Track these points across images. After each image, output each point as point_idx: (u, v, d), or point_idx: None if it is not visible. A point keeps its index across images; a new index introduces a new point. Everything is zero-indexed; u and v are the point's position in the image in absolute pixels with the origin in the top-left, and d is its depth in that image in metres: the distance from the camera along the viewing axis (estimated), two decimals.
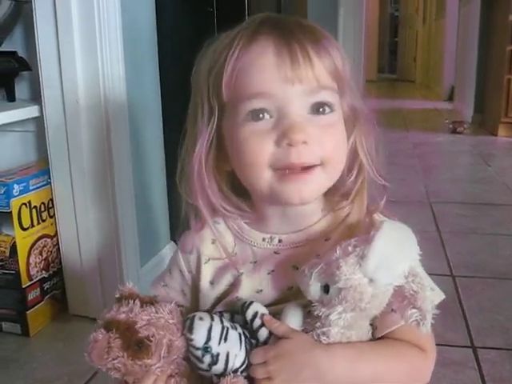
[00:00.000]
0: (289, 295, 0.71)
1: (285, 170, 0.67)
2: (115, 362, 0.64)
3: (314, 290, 0.65)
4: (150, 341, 0.64)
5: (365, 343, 0.67)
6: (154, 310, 0.68)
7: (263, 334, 0.67)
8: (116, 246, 1.43)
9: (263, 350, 0.66)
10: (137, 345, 0.64)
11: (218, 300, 0.76)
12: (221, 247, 0.76)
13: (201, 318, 0.66)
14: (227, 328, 0.66)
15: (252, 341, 0.68)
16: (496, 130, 4.20)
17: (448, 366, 1.26)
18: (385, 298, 0.65)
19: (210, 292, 0.76)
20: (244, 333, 0.68)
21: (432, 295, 0.66)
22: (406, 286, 0.64)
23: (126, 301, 0.68)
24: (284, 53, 0.65)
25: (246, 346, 0.67)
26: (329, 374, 0.64)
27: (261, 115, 0.67)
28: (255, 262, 0.75)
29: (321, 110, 0.68)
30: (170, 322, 0.67)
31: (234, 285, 0.75)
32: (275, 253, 0.75)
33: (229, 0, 1.60)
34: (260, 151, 0.67)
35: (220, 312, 0.72)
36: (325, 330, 0.64)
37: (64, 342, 1.38)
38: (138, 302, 0.68)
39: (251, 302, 0.68)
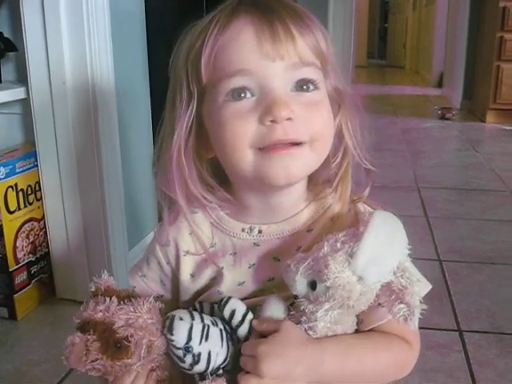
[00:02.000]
0: (270, 286, 0.70)
1: (269, 147, 0.64)
2: (94, 363, 0.63)
3: (300, 285, 0.64)
4: (129, 341, 0.63)
5: (353, 336, 0.66)
6: (131, 308, 0.65)
7: (243, 331, 0.66)
8: (103, 230, 1.43)
9: (253, 345, 0.63)
10: (115, 346, 0.63)
11: (199, 293, 0.74)
12: (198, 241, 0.74)
13: (181, 318, 0.65)
14: (208, 326, 0.65)
15: (233, 336, 0.67)
16: (484, 117, 4.22)
17: (434, 348, 1.27)
18: (372, 295, 0.64)
19: (190, 285, 0.74)
20: (225, 328, 0.67)
21: (420, 288, 0.65)
22: (394, 281, 0.63)
23: (103, 297, 0.66)
24: (264, 29, 0.63)
25: (227, 343, 0.66)
26: (320, 370, 0.63)
27: (242, 94, 0.64)
28: (235, 254, 0.73)
29: (304, 87, 0.66)
30: (149, 321, 0.65)
31: (216, 278, 0.73)
32: (255, 244, 0.73)
33: None
34: (242, 130, 0.64)
35: (200, 302, 0.71)
36: (311, 324, 0.63)
37: (51, 326, 1.38)
38: (114, 299, 0.66)
39: (228, 299, 0.66)
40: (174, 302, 0.78)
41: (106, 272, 0.71)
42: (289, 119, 0.63)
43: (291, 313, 0.66)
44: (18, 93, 1.36)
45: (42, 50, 1.31)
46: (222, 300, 0.66)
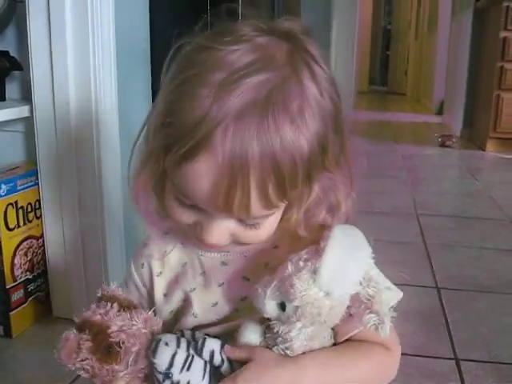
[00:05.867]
0: (243, 306, 0.70)
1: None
2: (83, 363, 0.65)
3: (270, 308, 0.64)
4: (120, 347, 0.65)
5: (330, 349, 0.67)
6: (129, 316, 0.67)
7: (226, 369, 0.66)
8: (102, 250, 1.43)
9: (231, 380, 0.63)
10: (106, 349, 0.65)
11: (174, 316, 0.75)
12: (167, 263, 0.76)
13: (166, 344, 0.65)
14: (192, 356, 0.65)
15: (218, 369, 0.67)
16: (484, 145, 4.24)
17: (431, 377, 1.26)
18: (343, 307, 0.65)
19: (164, 305, 0.76)
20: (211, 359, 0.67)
21: (389, 295, 0.65)
22: (361, 292, 0.63)
23: (106, 302, 0.69)
24: (221, 189, 0.57)
25: (210, 376, 0.66)
26: None
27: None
28: (204, 273, 0.74)
29: (251, 225, 0.64)
30: (143, 331, 0.67)
31: (187, 300, 0.74)
32: (223, 263, 0.74)
33: None
34: (181, 221, 0.66)
35: (180, 330, 0.71)
36: (287, 345, 0.64)
37: (47, 344, 1.36)
38: (115, 306, 0.68)
39: (204, 341, 0.66)
40: None
41: (115, 282, 0.74)
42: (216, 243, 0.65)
43: (267, 335, 0.66)
44: (21, 111, 1.37)
45: (47, 70, 1.33)
46: (197, 342, 0.66)
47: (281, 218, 0.68)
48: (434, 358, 1.35)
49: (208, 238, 0.64)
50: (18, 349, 1.36)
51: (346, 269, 0.63)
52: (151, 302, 0.78)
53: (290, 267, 0.64)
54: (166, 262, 0.76)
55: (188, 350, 0.66)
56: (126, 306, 0.69)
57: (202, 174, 0.58)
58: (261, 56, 0.59)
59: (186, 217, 0.65)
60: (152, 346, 0.65)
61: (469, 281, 1.82)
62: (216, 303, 0.73)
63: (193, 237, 0.68)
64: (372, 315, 0.62)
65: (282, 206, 0.64)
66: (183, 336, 0.69)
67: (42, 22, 1.30)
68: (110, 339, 0.65)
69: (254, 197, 0.58)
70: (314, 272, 0.62)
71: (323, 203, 0.69)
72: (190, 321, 0.73)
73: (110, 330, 0.65)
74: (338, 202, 0.69)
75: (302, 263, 0.63)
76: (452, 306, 1.63)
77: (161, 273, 0.77)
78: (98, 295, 0.71)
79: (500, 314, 1.60)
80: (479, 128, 4.49)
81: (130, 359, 0.65)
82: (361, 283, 0.63)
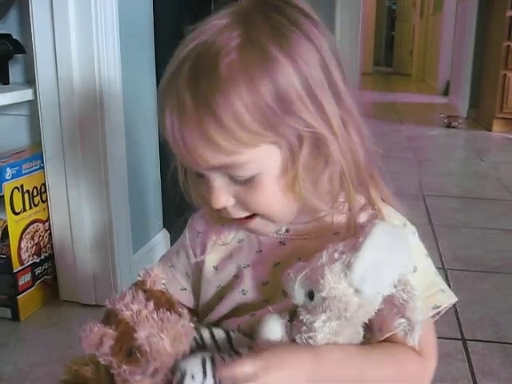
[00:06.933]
0: None
1: None
2: (103, 356, 0.63)
3: (298, 295, 0.63)
4: (142, 355, 0.62)
5: (354, 346, 0.65)
6: (159, 325, 0.63)
7: None
8: (108, 233, 1.43)
9: (251, 361, 0.60)
10: (128, 351, 0.62)
11: (220, 291, 0.75)
12: (224, 235, 0.76)
13: (193, 377, 0.62)
14: (220, 382, 0.62)
15: None
16: (490, 125, 4.21)
17: (438, 357, 1.26)
18: (372, 308, 0.63)
19: (213, 278, 0.76)
20: None
21: (442, 297, 0.68)
22: (396, 295, 0.61)
23: (143, 295, 0.65)
24: (177, 137, 0.62)
25: None
26: (318, 380, 0.62)
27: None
28: (260, 251, 0.74)
29: (243, 182, 0.64)
30: (168, 350, 0.62)
31: (238, 276, 0.73)
32: (281, 243, 0.73)
33: None
34: (202, 194, 0.69)
35: (211, 331, 0.69)
36: (311, 334, 0.62)
37: (54, 328, 1.38)
38: (150, 305, 0.64)
39: (231, 357, 0.64)
40: (195, 296, 0.80)
41: (159, 264, 0.72)
42: (223, 208, 0.66)
43: (294, 323, 0.65)
44: (25, 94, 1.37)
45: (50, 52, 1.32)
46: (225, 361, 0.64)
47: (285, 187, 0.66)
48: (441, 338, 1.35)
49: (213, 202, 0.65)
50: (26, 332, 1.37)
51: (380, 269, 0.61)
52: (199, 273, 0.78)
53: (324, 257, 0.63)
54: (222, 235, 0.76)
55: (214, 376, 0.63)
56: (164, 303, 0.66)
57: (168, 128, 0.62)
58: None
59: (202, 188, 0.67)
60: (177, 377, 0.62)
61: (475, 261, 1.82)
62: (267, 282, 0.72)
63: (213, 214, 0.69)
64: (403, 320, 0.60)
65: (255, 156, 0.62)
66: (201, 338, 0.67)
67: (45, 4, 1.29)
68: (134, 343, 0.62)
69: (198, 140, 0.60)
70: (347, 266, 0.61)
71: (322, 166, 0.65)
72: (237, 297, 0.73)
73: (136, 335, 0.62)
74: (331, 165, 0.65)
75: (336, 255, 0.62)
76: (459, 287, 1.62)
77: (214, 245, 0.76)
78: (139, 279, 0.68)
79: (506, 294, 1.60)
80: (485, 108, 4.46)
81: (148, 371, 0.62)
82: (395, 286, 0.62)
